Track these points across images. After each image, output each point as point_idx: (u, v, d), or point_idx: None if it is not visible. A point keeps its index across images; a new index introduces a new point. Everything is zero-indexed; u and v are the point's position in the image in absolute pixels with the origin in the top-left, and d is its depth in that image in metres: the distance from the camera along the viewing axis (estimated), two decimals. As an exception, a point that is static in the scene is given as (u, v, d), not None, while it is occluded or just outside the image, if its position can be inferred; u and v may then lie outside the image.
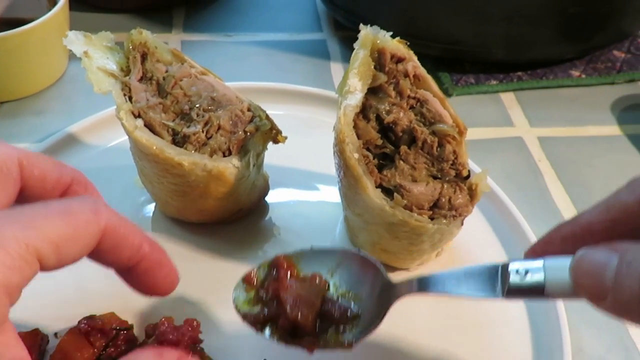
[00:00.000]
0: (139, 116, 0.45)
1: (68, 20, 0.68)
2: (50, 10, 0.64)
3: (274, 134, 0.50)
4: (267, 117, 0.50)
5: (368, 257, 0.42)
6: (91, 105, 0.63)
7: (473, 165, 0.59)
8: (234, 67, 0.75)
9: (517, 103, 0.73)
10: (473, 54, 0.74)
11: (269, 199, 0.57)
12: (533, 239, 0.53)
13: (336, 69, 0.76)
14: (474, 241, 0.54)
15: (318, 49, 0.80)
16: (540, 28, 0.70)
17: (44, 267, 0.28)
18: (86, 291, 0.49)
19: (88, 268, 0.48)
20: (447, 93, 0.73)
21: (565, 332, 0.46)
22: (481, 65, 0.76)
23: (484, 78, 0.75)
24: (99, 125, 0.60)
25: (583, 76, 0.76)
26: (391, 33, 0.46)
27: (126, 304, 0.46)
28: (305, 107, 0.65)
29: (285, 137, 0.51)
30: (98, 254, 0.32)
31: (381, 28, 0.46)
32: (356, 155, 0.43)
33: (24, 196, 0.34)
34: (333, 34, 0.82)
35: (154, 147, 0.44)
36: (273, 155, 0.53)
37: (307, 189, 0.58)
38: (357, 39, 0.81)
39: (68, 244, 0.29)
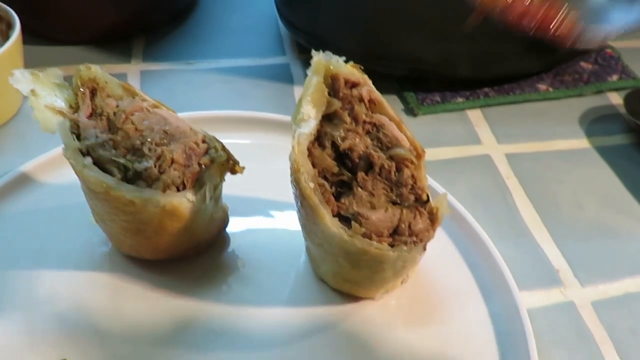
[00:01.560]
0: (88, 154, 0.44)
1: (22, 56, 0.67)
2: (2, 45, 0.62)
3: (231, 165, 0.49)
4: (223, 148, 0.49)
5: None
6: (48, 142, 0.61)
7: (439, 187, 0.58)
8: (194, 95, 0.74)
9: (484, 120, 0.72)
10: (438, 72, 0.74)
11: (229, 230, 0.55)
12: (500, 261, 0.52)
13: (299, 93, 0.75)
14: (441, 266, 0.53)
15: (281, 72, 0.79)
16: (503, 44, 0.70)
17: None
18: (38, 338, 0.47)
19: (40, 315, 0.47)
20: (413, 113, 0.72)
21: (533, 352, 0.45)
22: (447, 83, 0.75)
23: (450, 96, 0.74)
24: (54, 162, 0.59)
25: (550, 90, 0.76)
26: (344, 58, 0.45)
27: (78, 349, 0.45)
28: (266, 135, 0.64)
29: (243, 168, 0.49)
30: None
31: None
32: (311, 185, 0.42)
33: None
34: (296, 57, 0.82)
35: (104, 186, 0.42)
36: (233, 185, 0.52)
37: (269, 218, 0.57)
38: (320, 61, 0.81)
39: None
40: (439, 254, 0.53)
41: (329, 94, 0.44)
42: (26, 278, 0.50)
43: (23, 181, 0.57)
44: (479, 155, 0.68)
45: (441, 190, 0.58)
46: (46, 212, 0.56)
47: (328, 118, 0.45)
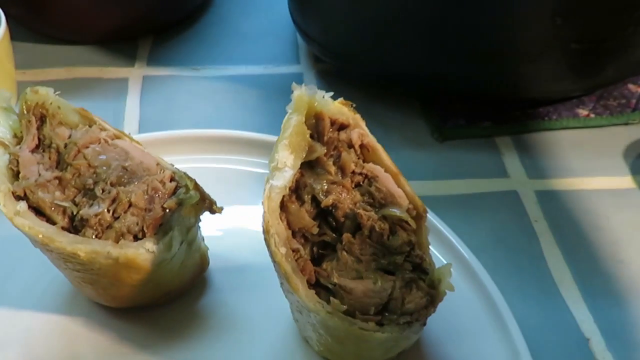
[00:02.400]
0: (25, 196, 0.38)
1: (10, 54, 0.61)
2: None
3: (207, 205, 0.42)
4: (196, 186, 0.42)
5: None
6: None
7: (449, 231, 0.50)
8: (196, 106, 0.68)
9: (514, 149, 0.63)
10: (464, 92, 0.65)
11: (209, 274, 0.49)
12: (516, 329, 0.44)
13: (309, 109, 0.68)
14: (446, 334, 0.45)
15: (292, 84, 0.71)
16: (539, 64, 0.60)
17: None
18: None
19: None
20: (433, 136, 0.64)
21: None
22: (474, 104, 0.67)
23: (476, 118, 0.66)
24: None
25: (592, 115, 0.67)
26: (332, 94, 0.38)
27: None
28: (263, 159, 0.56)
29: (221, 208, 0.43)
30: None
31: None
32: (283, 250, 0.35)
33: None
34: (311, 66, 0.74)
35: (40, 236, 0.36)
36: (216, 221, 0.45)
37: (256, 261, 0.48)
38: (335, 73, 0.73)
39: None
40: (447, 318, 0.45)
41: (312, 136, 0.37)
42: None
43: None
44: (504, 192, 0.59)
45: (452, 236, 0.50)
46: (12, 239, 0.50)
47: (310, 165, 0.37)
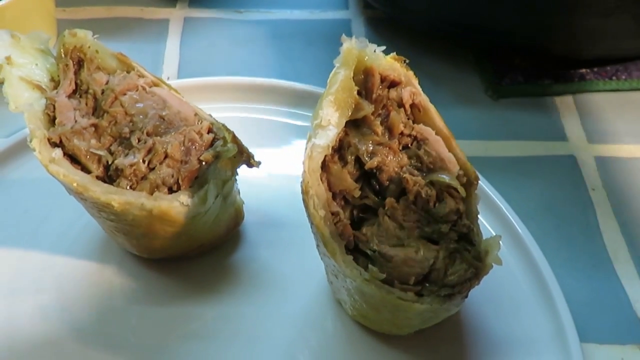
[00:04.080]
0: (61, 143, 0.36)
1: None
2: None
3: (244, 158, 0.40)
4: (234, 138, 0.40)
5: None
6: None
7: (498, 197, 0.47)
8: (237, 52, 0.65)
9: (575, 110, 0.59)
10: (525, 45, 0.61)
11: (244, 228, 0.47)
12: (562, 304, 0.41)
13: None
14: (487, 305, 0.43)
15: (339, 31, 0.67)
16: (614, 18, 0.55)
17: None
18: (16, 334, 0.42)
19: (23, 307, 0.41)
20: (486, 93, 0.60)
21: None
22: (534, 59, 0.62)
23: (536, 75, 0.61)
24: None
25: (666, 77, 0.61)
26: (383, 48, 0.35)
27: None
28: (303, 112, 0.54)
29: (259, 162, 0.41)
30: None
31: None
32: (322, 213, 0.33)
33: None
34: (360, 12, 0.70)
35: (74, 184, 0.35)
36: (254, 173, 0.43)
37: (294, 217, 0.47)
38: (385, 20, 0.69)
39: None
40: (489, 288, 0.43)
41: (359, 93, 0.34)
42: (13, 263, 0.45)
43: (19, 150, 0.50)
44: (561, 156, 0.55)
45: (501, 202, 0.47)
46: (46, 185, 0.49)
47: (355, 124, 0.35)
